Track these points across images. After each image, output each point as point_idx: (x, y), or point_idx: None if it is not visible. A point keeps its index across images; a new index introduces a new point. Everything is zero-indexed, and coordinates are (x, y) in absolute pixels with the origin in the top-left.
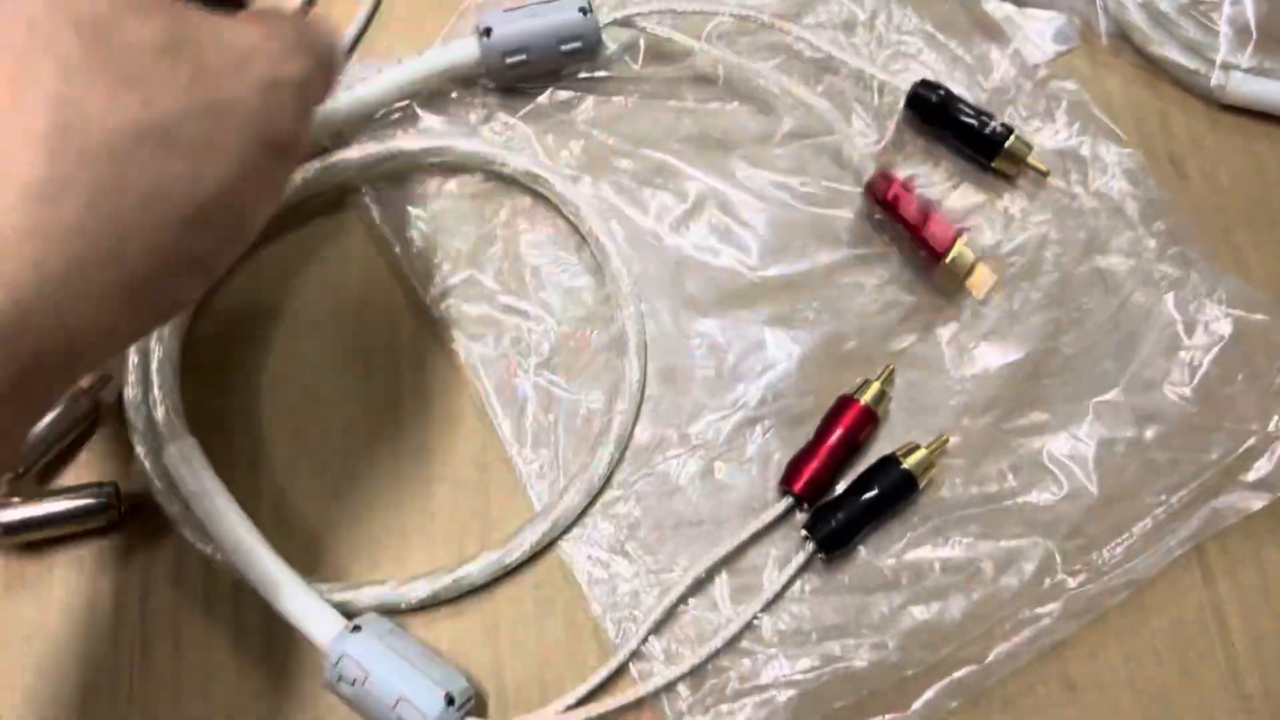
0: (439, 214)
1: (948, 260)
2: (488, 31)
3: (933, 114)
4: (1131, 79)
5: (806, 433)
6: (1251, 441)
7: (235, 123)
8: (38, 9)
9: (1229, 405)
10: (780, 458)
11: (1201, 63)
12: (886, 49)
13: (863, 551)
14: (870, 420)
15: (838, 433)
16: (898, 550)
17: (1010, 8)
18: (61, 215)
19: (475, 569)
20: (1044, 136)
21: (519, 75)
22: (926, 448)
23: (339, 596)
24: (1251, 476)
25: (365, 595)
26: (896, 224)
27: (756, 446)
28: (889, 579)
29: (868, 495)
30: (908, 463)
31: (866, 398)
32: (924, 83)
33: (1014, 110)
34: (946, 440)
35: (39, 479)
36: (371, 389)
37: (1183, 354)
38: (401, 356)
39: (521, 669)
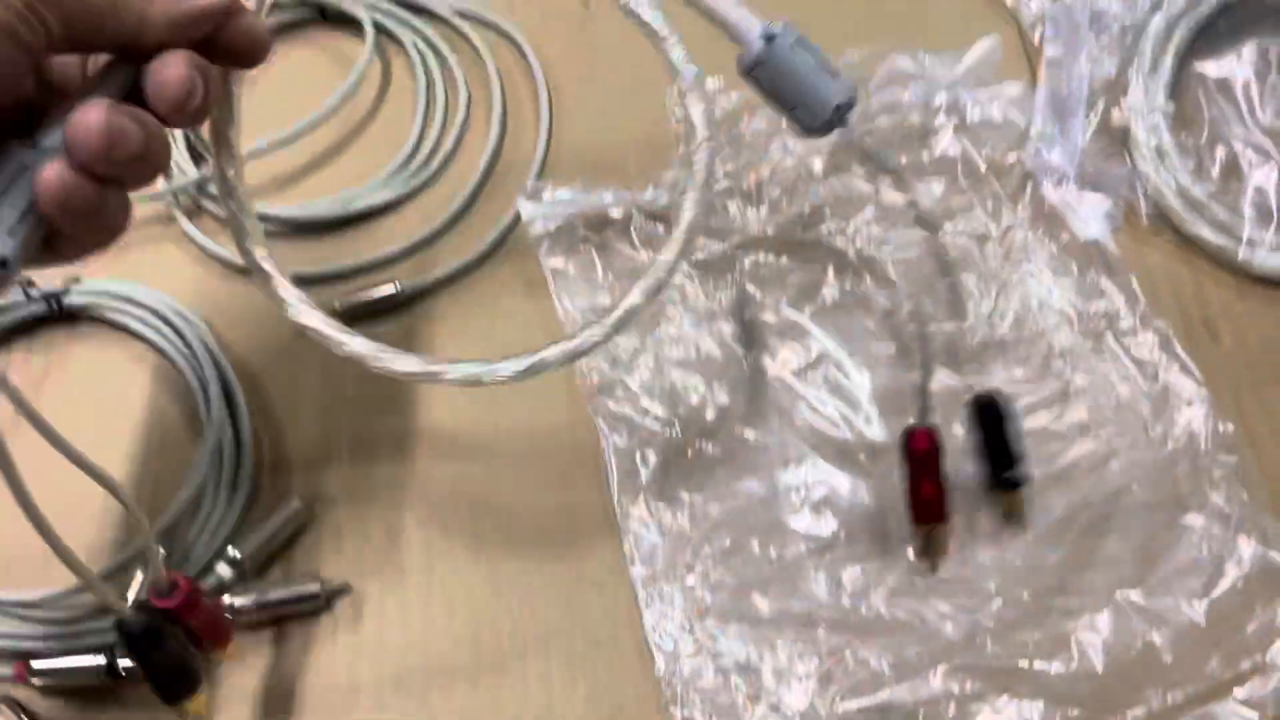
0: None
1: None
2: None
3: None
4: (1169, 254)
5: (864, 568)
6: (1248, 665)
7: None
8: None
9: (1236, 628)
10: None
11: (1230, 240)
12: (1010, 263)
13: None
14: None
15: None
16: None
17: (1066, 192)
18: None
19: None
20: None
21: None
22: None
23: None
24: (1242, 694)
25: None
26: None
27: (822, 573)
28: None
29: None
30: None
31: None
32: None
33: (1112, 336)
34: None
35: (254, 575)
36: (521, 454)
37: (1208, 575)
38: (553, 430)
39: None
